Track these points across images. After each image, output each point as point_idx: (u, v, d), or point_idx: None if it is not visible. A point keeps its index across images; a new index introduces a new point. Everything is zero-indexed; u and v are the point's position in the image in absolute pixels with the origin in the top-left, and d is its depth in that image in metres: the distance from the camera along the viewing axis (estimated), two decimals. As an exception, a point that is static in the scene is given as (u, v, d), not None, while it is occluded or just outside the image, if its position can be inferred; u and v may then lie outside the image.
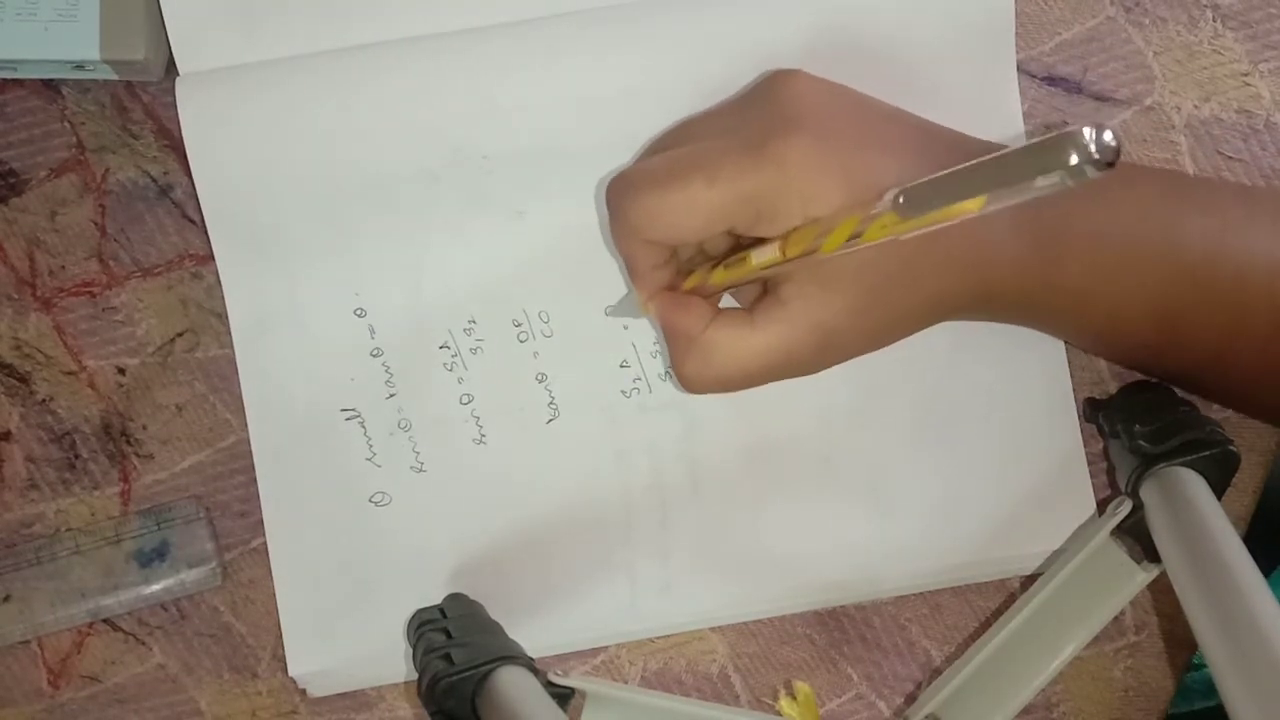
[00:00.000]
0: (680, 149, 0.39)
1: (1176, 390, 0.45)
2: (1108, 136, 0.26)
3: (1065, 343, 0.46)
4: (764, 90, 0.39)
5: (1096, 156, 0.26)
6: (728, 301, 0.43)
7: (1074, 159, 0.26)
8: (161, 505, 0.45)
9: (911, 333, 0.40)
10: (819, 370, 0.39)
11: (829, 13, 0.44)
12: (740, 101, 0.41)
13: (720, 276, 0.39)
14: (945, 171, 0.30)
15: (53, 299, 0.45)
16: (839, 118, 0.38)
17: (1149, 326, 0.41)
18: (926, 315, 0.40)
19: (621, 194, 0.38)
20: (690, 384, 0.40)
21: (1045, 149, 0.27)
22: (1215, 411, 0.46)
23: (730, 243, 0.40)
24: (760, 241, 0.37)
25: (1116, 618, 0.46)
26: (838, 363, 0.39)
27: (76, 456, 0.46)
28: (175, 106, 0.43)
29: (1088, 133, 0.26)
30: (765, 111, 0.38)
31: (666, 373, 0.46)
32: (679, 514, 0.46)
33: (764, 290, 0.39)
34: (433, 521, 0.46)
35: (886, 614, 0.47)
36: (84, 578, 0.45)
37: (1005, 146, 0.31)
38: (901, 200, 0.31)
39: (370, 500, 0.46)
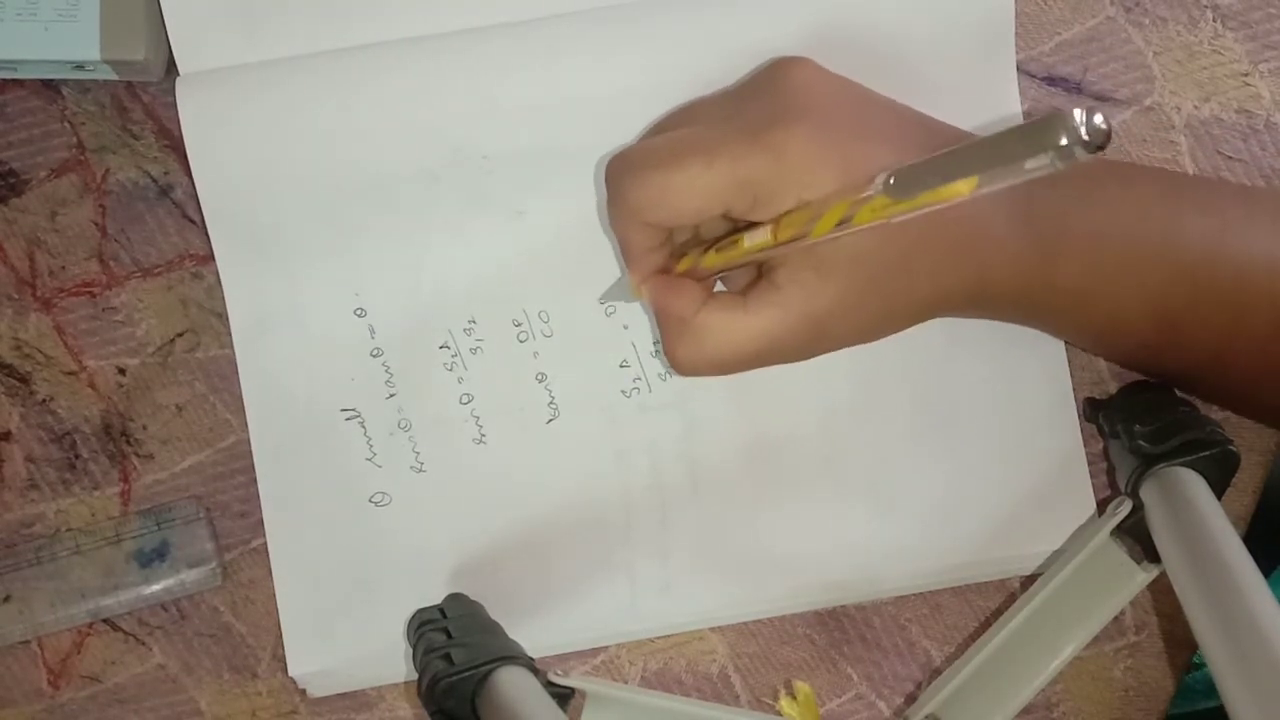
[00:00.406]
0: (681, 131, 0.39)
1: (1176, 390, 0.45)
2: (1098, 119, 0.26)
3: (1065, 342, 0.46)
4: (768, 77, 0.39)
5: (1086, 138, 0.26)
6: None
7: (1063, 140, 0.26)
8: (161, 505, 0.45)
9: (907, 326, 0.40)
10: (811, 357, 0.39)
11: (829, 13, 0.44)
12: (744, 87, 0.41)
13: (713, 259, 0.39)
14: (935, 154, 0.30)
15: (53, 299, 0.45)
16: (840, 108, 0.38)
17: (1148, 327, 0.41)
18: (922, 310, 0.40)
19: (620, 173, 0.38)
20: (682, 366, 0.40)
21: (1035, 131, 0.27)
22: (1215, 411, 0.46)
23: (725, 227, 0.40)
24: (755, 226, 0.37)
25: (1116, 618, 0.46)
26: (830, 350, 0.39)
27: (76, 456, 0.46)
28: (175, 106, 0.43)
29: (1078, 114, 0.26)
30: (768, 98, 0.38)
31: (667, 373, 0.46)
32: (679, 514, 0.46)
33: (758, 275, 0.39)
34: (433, 521, 0.46)
35: (886, 614, 0.47)
36: (84, 578, 0.45)
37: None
38: (892, 182, 0.31)
39: (370, 500, 0.46)
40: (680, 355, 0.39)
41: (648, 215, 0.38)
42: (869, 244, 0.37)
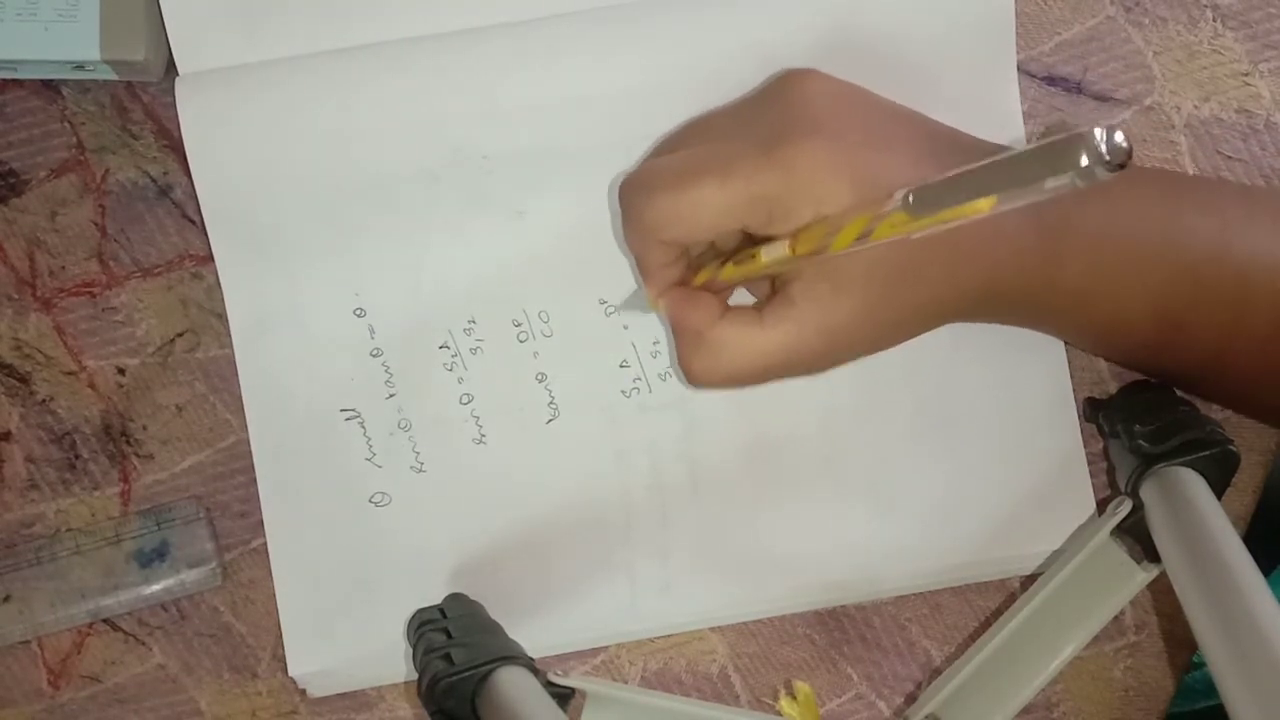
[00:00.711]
0: (692, 149, 0.39)
1: (1176, 390, 0.45)
2: (1119, 138, 0.26)
3: (1066, 343, 0.46)
4: (777, 90, 0.39)
5: (1108, 158, 0.26)
6: (743, 297, 0.43)
7: (1084, 160, 0.26)
8: (161, 505, 0.45)
9: (917, 334, 0.40)
10: (827, 370, 0.39)
11: (829, 13, 0.44)
12: (753, 100, 0.41)
13: (730, 273, 0.39)
14: (955, 171, 0.30)
15: (53, 299, 0.45)
16: (850, 119, 0.38)
17: (1149, 326, 0.41)
18: (933, 316, 0.40)
19: (634, 194, 0.38)
20: (697, 379, 0.40)
21: (1056, 150, 0.27)
22: (1215, 411, 0.46)
23: (742, 239, 0.40)
24: (771, 239, 0.37)
25: (1116, 618, 0.46)
26: (845, 362, 0.39)
27: (76, 456, 0.46)
28: (175, 106, 0.43)
29: (1098, 134, 0.26)
30: (777, 112, 0.38)
31: (667, 372, 0.46)
32: (679, 514, 0.46)
33: (773, 289, 0.39)
34: (433, 521, 0.46)
35: (886, 614, 0.47)
36: (84, 578, 0.45)
37: (1011, 148, 0.31)
38: (911, 200, 0.31)
39: (370, 500, 0.46)
40: (695, 368, 0.39)
41: (663, 234, 0.38)
42: (881, 255, 0.37)
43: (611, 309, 0.46)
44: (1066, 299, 0.40)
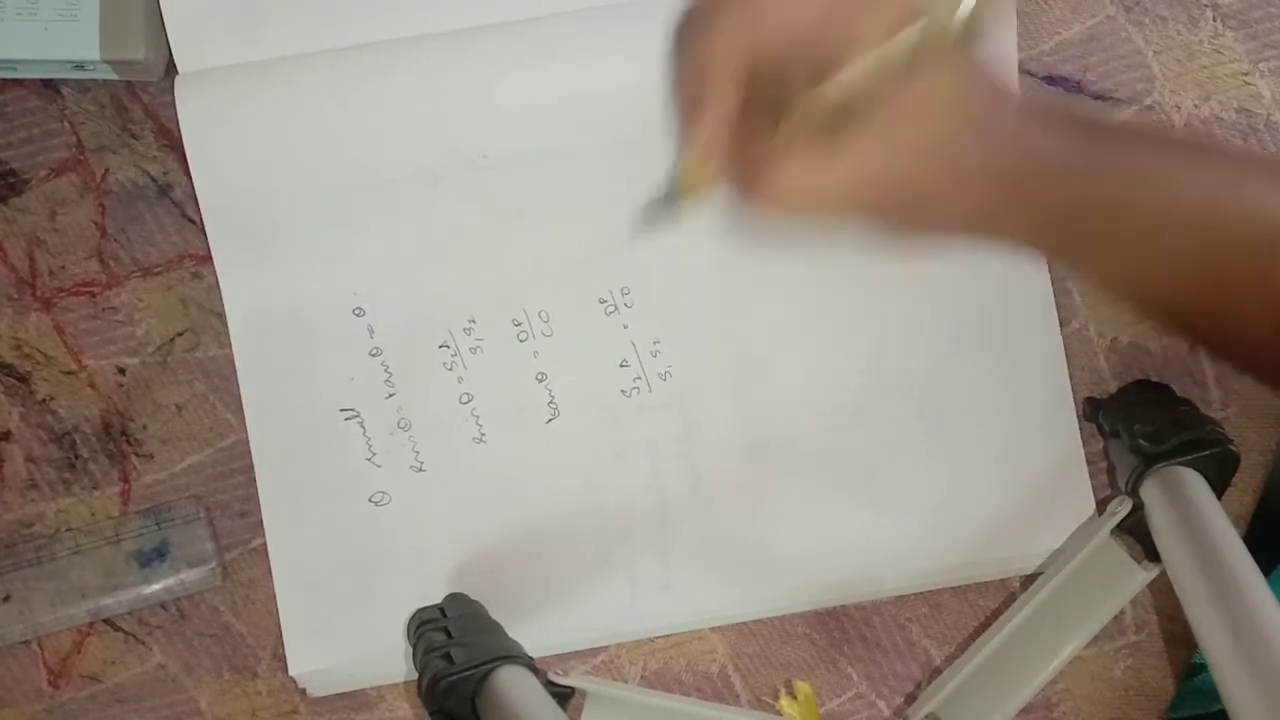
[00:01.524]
0: None
1: (1176, 390, 0.45)
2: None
3: (1065, 341, 0.46)
4: None
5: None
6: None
7: None
8: (161, 505, 0.45)
9: (956, 221, 0.38)
10: (887, 214, 0.38)
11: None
12: None
13: (786, 127, 0.38)
14: None
15: (53, 299, 0.45)
16: None
17: (1195, 232, 0.37)
18: (981, 196, 0.38)
19: (704, 6, 0.38)
20: (768, 198, 0.38)
21: None
22: (1215, 411, 0.46)
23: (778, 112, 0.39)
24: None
25: (1116, 617, 0.46)
26: (901, 216, 0.38)
27: (76, 456, 0.46)
28: (175, 106, 0.43)
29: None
30: None
31: (667, 372, 0.46)
32: (679, 514, 0.46)
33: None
34: (433, 521, 0.46)
35: (886, 614, 0.47)
36: (84, 578, 0.45)
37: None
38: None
39: (370, 500, 0.46)
40: (763, 188, 0.38)
41: (738, 38, 0.37)
42: (947, 105, 0.37)
43: (611, 308, 0.46)
44: (1109, 191, 0.37)
